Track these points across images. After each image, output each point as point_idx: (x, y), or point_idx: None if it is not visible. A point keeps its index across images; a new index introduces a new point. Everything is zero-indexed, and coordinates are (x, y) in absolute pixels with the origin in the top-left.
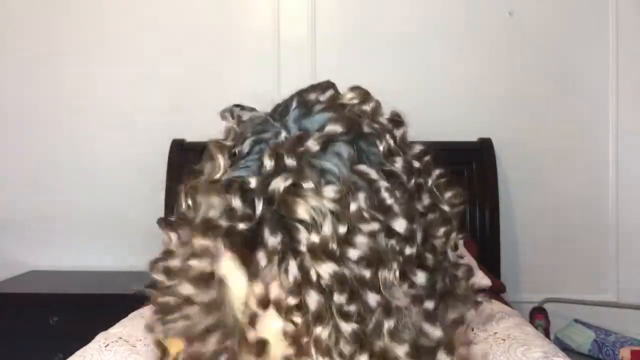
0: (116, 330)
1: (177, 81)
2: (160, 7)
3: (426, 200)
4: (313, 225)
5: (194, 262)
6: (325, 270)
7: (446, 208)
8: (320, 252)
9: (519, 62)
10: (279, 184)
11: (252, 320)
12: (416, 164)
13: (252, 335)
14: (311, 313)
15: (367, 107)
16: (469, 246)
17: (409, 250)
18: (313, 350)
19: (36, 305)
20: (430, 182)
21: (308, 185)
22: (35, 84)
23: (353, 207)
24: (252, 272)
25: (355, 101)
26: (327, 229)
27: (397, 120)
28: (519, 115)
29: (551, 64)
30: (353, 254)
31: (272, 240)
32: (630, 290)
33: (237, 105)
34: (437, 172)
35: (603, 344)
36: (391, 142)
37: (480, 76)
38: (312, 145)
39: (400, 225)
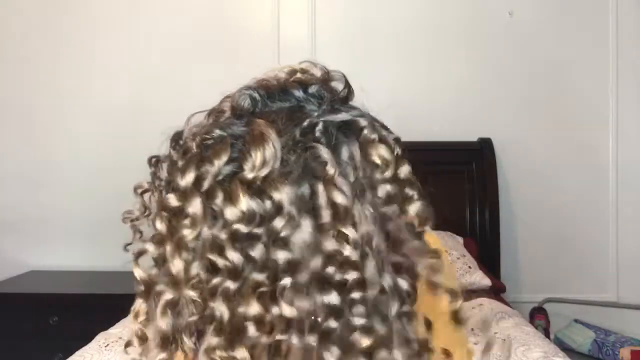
0: (116, 330)
1: (177, 81)
2: (160, 8)
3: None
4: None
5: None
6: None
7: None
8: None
9: (519, 62)
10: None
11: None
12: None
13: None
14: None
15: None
16: (469, 246)
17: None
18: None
19: (36, 305)
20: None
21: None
22: (34, 85)
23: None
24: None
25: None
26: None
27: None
28: (519, 115)
29: (551, 64)
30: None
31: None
32: (630, 290)
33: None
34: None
35: (603, 344)
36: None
37: (481, 76)
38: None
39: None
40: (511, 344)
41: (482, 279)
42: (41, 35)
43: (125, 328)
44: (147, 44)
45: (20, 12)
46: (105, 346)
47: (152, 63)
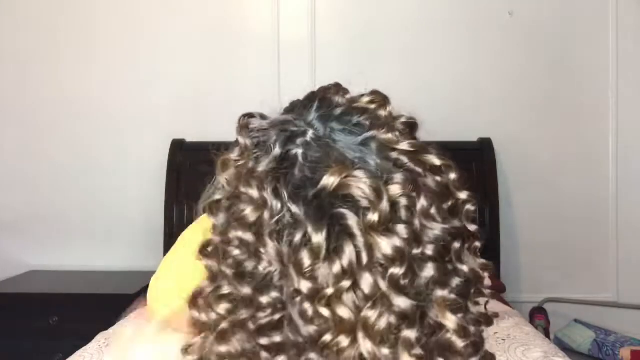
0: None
1: (177, 82)
2: (160, 9)
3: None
4: (371, 204)
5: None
6: (388, 245)
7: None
8: (381, 228)
9: (519, 62)
10: (331, 177)
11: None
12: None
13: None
14: (365, 295)
15: (384, 112)
16: None
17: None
18: (360, 333)
19: (36, 305)
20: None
21: (359, 171)
22: (35, 84)
23: (395, 188)
24: (297, 271)
25: (373, 106)
26: (384, 206)
27: (412, 123)
28: (519, 115)
29: (551, 63)
30: (401, 229)
31: (317, 237)
32: (630, 290)
33: (248, 115)
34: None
35: (603, 344)
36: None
37: (481, 76)
38: (347, 140)
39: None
40: None
41: None
42: (41, 35)
43: (125, 328)
44: (147, 45)
45: (20, 12)
46: (105, 346)
47: (152, 64)
